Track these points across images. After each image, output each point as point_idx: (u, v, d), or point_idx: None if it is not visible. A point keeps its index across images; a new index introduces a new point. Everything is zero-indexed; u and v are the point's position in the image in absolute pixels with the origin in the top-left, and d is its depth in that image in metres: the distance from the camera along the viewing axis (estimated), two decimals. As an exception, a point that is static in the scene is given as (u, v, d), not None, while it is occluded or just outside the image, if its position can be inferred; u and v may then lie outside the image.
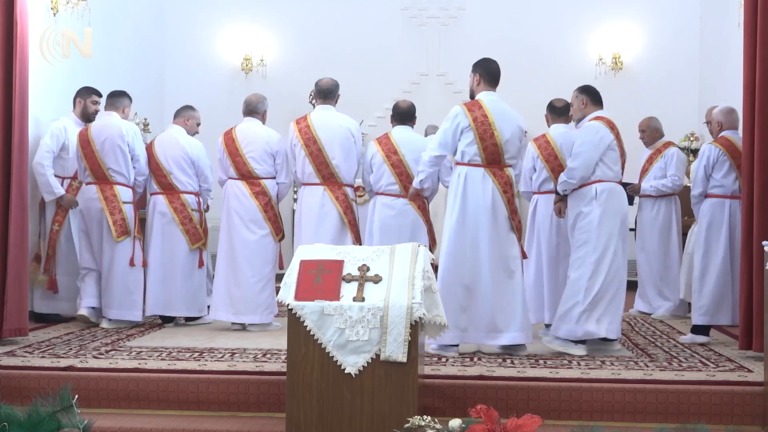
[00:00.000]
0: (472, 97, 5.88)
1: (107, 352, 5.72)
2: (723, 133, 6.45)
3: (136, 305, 6.87)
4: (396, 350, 4.16)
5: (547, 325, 6.39)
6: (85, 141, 6.83)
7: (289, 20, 10.81)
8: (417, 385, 4.22)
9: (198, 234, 7.02)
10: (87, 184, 6.90)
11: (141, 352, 5.72)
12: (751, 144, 5.46)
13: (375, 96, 10.21)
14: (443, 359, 5.48)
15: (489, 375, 4.98)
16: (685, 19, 10.27)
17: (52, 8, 7.35)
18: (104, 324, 6.79)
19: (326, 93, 6.78)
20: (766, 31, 5.35)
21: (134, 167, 6.94)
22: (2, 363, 5.26)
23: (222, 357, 5.55)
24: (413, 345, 4.18)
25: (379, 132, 7.68)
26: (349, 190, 6.75)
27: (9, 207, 5.82)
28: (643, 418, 4.65)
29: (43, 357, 5.49)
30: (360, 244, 6.54)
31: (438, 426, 3.94)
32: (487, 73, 5.84)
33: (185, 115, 7.25)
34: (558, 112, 6.72)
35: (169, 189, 7.01)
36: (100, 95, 7.28)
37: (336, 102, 6.84)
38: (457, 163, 5.75)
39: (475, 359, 5.51)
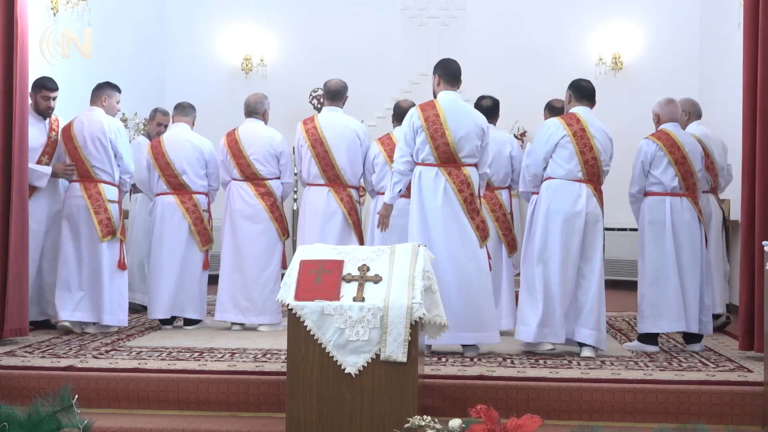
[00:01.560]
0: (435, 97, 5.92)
1: (107, 352, 5.72)
2: (662, 126, 6.20)
3: (124, 309, 6.60)
4: (396, 350, 4.16)
5: None
6: (68, 137, 6.58)
7: (289, 20, 10.80)
8: (417, 385, 4.22)
9: (208, 235, 6.98)
10: (71, 181, 6.65)
11: (141, 352, 5.72)
12: (752, 144, 5.46)
13: (375, 96, 10.20)
14: (443, 359, 5.48)
15: (489, 375, 4.98)
16: (685, 19, 10.26)
17: (52, 8, 7.35)
18: (91, 329, 6.58)
19: (334, 94, 6.78)
20: (766, 31, 5.35)
21: (118, 165, 6.64)
22: (2, 363, 5.26)
23: (222, 357, 5.55)
24: (413, 345, 4.18)
25: (380, 132, 7.68)
26: (353, 192, 6.75)
27: (9, 207, 5.82)
28: (643, 418, 4.65)
29: (43, 357, 5.49)
30: (363, 245, 6.53)
31: (438, 426, 3.95)
32: (445, 72, 5.86)
33: (193, 115, 7.18)
34: (557, 111, 6.71)
35: (179, 189, 6.93)
36: (51, 89, 6.69)
37: (344, 103, 6.84)
38: (415, 163, 5.79)
39: (475, 359, 5.51)
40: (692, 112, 7.00)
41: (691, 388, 4.73)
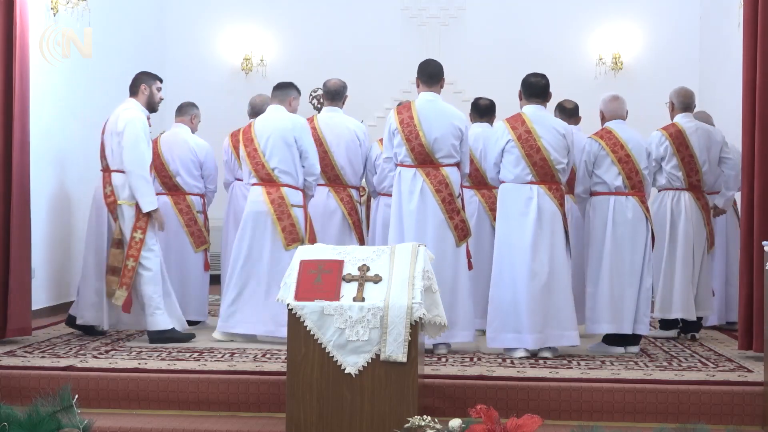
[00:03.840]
0: None
1: (107, 352, 5.72)
2: (606, 124, 6.06)
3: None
4: (396, 350, 4.16)
5: None
6: (248, 138, 6.18)
7: (289, 20, 10.80)
8: (417, 385, 4.22)
9: (203, 237, 6.97)
10: (253, 185, 6.20)
11: (141, 352, 5.73)
12: (751, 144, 5.45)
13: (375, 96, 10.19)
14: (443, 359, 5.48)
15: (489, 375, 4.98)
16: (685, 19, 10.26)
17: (52, 8, 7.34)
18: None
19: (334, 94, 6.77)
20: (766, 31, 5.35)
21: (303, 166, 6.15)
22: (2, 363, 5.26)
23: (222, 357, 5.55)
24: (413, 345, 4.18)
25: (380, 132, 7.66)
26: (353, 192, 6.75)
27: (10, 207, 5.82)
28: (643, 418, 4.65)
29: (43, 357, 5.49)
30: (364, 245, 6.52)
31: (438, 426, 3.95)
32: (422, 73, 5.91)
33: (191, 113, 7.15)
34: (568, 113, 6.70)
35: (174, 190, 6.93)
36: (162, 81, 6.51)
37: (343, 103, 6.84)
38: (396, 164, 5.88)
39: (475, 359, 5.51)
40: (676, 103, 6.69)
41: (691, 388, 4.73)
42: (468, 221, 5.90)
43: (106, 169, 6.27)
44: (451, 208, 5.74)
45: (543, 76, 5.87)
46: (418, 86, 5.94)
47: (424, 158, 5.76)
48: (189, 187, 6.95)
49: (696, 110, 6.83)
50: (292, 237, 6.05)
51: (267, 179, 6.11)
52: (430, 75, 5.88)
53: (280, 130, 6.13)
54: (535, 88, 5.83)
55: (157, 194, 6.93)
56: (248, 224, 6.12)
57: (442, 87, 5.94)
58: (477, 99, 6.89)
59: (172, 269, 6.84)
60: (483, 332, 6.51)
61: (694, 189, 6.51)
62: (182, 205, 6.91)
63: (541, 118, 5.77)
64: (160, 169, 6.89)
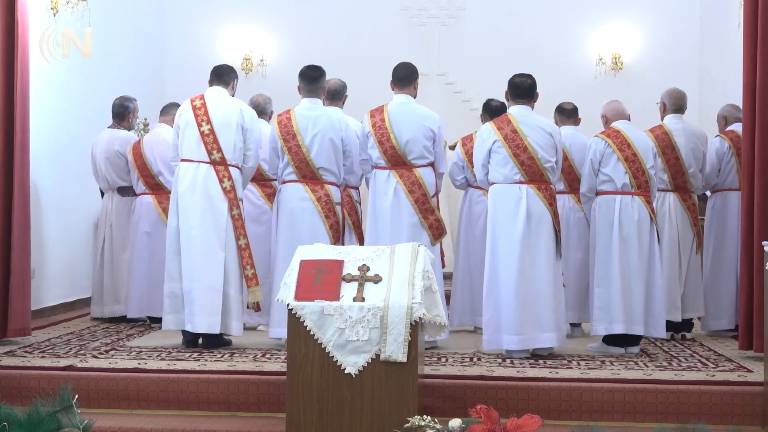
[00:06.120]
0: None
1: (107, 352, 5.72)
2: (613, 124, 6.06)
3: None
4: (396, 350, 4.17)
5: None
6: (289, 133, 5.97)
7: (289, 20, 10.80)
8: (417, 385, 4.22)
9: None
10: (290, 181, 6.01)
11: (141, 352, 5.73)
12: (752, 144, 5.46)
13: (375, 96, 10.14)
14: (443, 359, 5.48)
15: (489, 375, 4.98)
16: (685, 19, 10.26)
17: (52, 8, 7.35)
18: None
19: (334, 94, 6.76)
20: (766, 31, 5.35)
21: (344, 164, 6.10)
22: (2, 363, 5.26)
23: (222, 357, 5.55)
24: (413, 345, 4.18)
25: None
26: (353, 192, 6.75)
27: (12, 207, 5.82)
28: (643, 418, 4.66)
29: (43, 357, 5.49)
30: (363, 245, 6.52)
31: (438, 426, 3.95)
32: (394, 77, 6.06)
33: (173, 113, 7.12)
34: (567, 114, 6.72)
35: (157, 190, 6.96)
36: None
37: (343, 103, 6.85)
38: (372, 166, 5.97)
39: (475, 359, 5.51)
40: (668, 104, 6.60)
41: (691, 388, 4.73)
42: (443, 221, 5.98)
43: (220, 163, 5.95)
44: (425, 208, 5.81)
45: (528, 76, 5.86)
46: (392, 89, 6.02)
47: (396, 160, 5.84)
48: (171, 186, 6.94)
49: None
50: (337, 235, 6.02)
51: (310, 177, 5.95)
52: (401, 78, 6.00)
53: (327, 128, 5.99)
54: (521, 89, 5.83)
55: (141, 194, 6.97)
56: (295, 221, 5.91)
57: (416, 89, 6.04)
58: (489, 100, 6.90)
59: (153, 267, 6.85)
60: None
61: (680, 190, 6.52)
62: (165, 204, 6.84)
63: (527, 117, 5.76)
64: (142, 168, 6.94)
